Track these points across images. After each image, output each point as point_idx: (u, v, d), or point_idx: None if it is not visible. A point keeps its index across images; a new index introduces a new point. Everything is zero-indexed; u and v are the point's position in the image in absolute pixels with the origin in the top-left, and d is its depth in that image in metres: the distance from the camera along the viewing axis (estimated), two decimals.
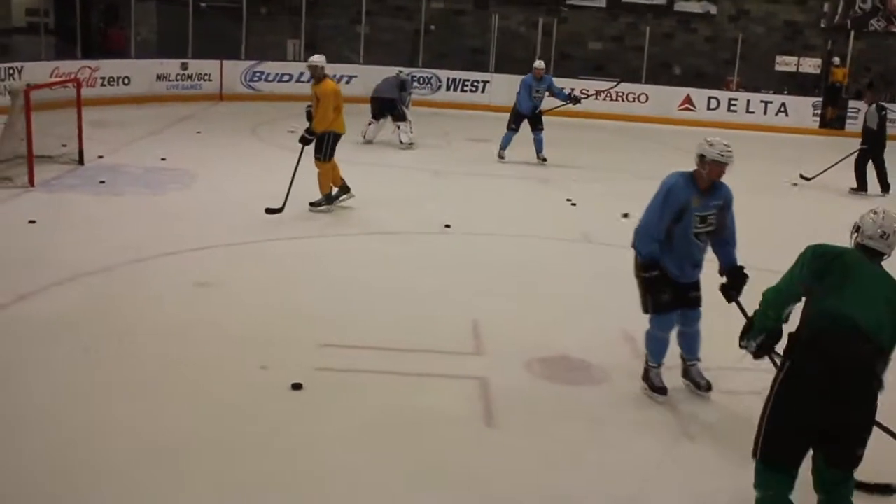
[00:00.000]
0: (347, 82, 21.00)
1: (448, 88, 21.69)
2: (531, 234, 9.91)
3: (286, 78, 20.72)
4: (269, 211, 9.81)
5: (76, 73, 16.55)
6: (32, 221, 9.12)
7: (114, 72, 18.61)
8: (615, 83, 19.17)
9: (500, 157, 14.58)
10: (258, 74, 20.69)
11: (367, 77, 20.97)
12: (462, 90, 21.70)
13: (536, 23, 22.40)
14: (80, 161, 11.97)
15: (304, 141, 10.17)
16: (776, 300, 4.22)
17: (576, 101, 14.94)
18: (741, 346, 4.42)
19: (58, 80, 15.45)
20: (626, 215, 9.18)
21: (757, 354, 4.37)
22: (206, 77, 19.98)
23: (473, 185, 12.73)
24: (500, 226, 10.24)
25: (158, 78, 19.42)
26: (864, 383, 3.83)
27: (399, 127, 15.32)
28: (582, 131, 18.58)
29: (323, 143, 10.26)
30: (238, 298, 7.24)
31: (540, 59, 15.88)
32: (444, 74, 21.67)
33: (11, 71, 16.29)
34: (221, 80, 20.09)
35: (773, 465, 3.96)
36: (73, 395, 5.40)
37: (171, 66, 19.71)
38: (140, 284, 7.50)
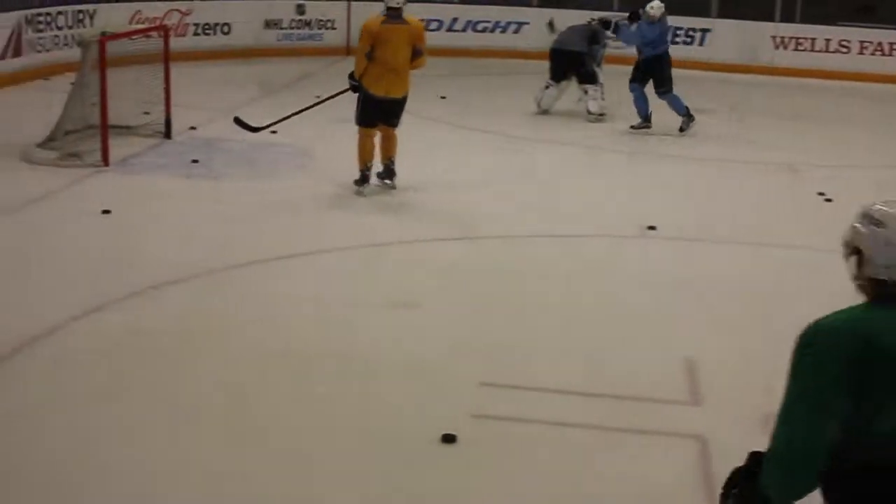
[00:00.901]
0: (516, 31, 21.17)
1: None
2: (766, 242, 9.72)
3: (433, 25, 20.88)
4: (239, 122, 11.08)
5: (162, 19, 17.20)
6: (107, 212, 9.53)
7: (210, 17, 19.28)
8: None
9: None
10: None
11: (544, 25, 21.08)
12: (673, 42, 21.35)
13: None
14: (167, 134, 12.45)
15: (351, 87, 10.67)
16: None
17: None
18: None
19: (140, 27, 16.07)
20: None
21: None
22: (329, 24, 20.41)
23: (684, 171, 12.60)
24: (723, 229, 10.09)
25: (267, 25, 20.00)
26: None
27: (587, 91, 15.28)
28: (833, 96, 18.19)
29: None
30: (364, 318, 7.37)
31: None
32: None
33: (81, 15, 17.05)
34: (349, 29, 20.36)
35: None
36: (154, 424, 5.60)
37: (284, 8, 20.24)
38: (240, 296, 7.75)
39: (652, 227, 9.87)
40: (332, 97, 11.30)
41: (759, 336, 7.45)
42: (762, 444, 5.86)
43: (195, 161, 11.35)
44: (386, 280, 8.24)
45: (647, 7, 14.52)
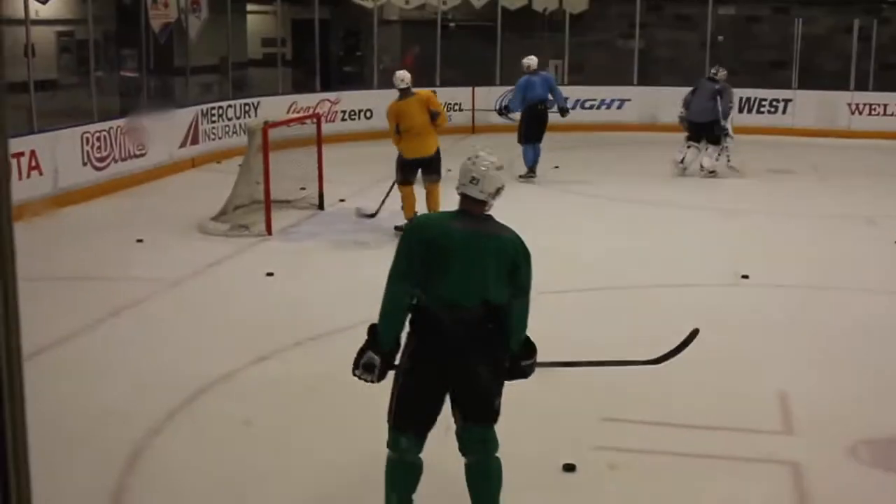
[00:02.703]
0: (619, 107, 21.14)
1: (741, 110, 21.19)
2: (849, 287, 9.52)
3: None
4: (361, 214, 11.46)
5: (315, 108, 17.58)
6: (270, 274, 9.70)
7: (355, 104, 19.60)
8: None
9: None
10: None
11: (643, 99, 21.06)
12: (759, 111, 21.22)
13: (850, 26, 21.61)
14: (321, 206, 12.67)
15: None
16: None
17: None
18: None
19: (297, 115, 16.44)
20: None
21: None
22: (457, 106, 20.61)
23: (774, 226, 12.38)
24: (811, 277, 9.90)
25: None
26: (478, 341, 4.55)
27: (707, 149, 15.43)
28: None
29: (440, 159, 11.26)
30: None
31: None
32: (737, 93, 21.21)
33: (248, 107, 17.51)
34: (473, 110, 20.64)
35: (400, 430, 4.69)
36: (324, 469, 5.65)
37: None
38: None
39: (745, 276, 9.71)
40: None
41: (848, 372, 7.30)
42: (852, 468, 5.73)
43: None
44: None
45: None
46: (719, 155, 15.44)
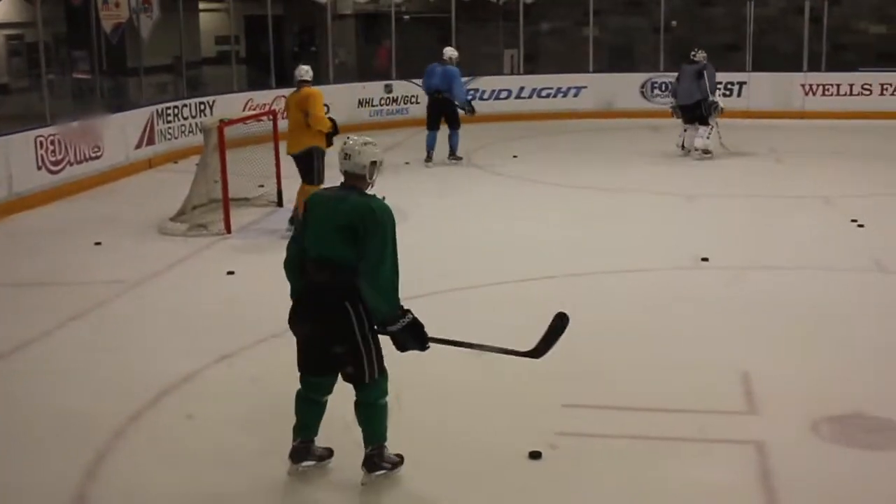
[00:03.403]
0: (576, 95, 21.22)
1: None
2: (808, 266, 9.61)
3: (503, 94, 21.07)
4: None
5: (271, 104, 17.47)
6: (231, 273, 9.66)
7: None
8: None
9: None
10: (471, 92, 21.04)
11: (599, 87, 21.14)
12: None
13: (802, 7, 21.77)
14: (279, 202, 12.61)
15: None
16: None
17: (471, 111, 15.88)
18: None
19: (252, 113, 16.34)
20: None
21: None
22: (413, 99, 20.59)
23: (732, 208, 12.48)
24: (770, 257, 9.98)
25: (360, 104, 20.22)
26: (331, 305, 5.08)
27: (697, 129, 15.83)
28: (859, 134, 17.94)
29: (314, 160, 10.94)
30: (454, 362, 7.34)
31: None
32: None
33: (203, 106, 17.39)
34: None
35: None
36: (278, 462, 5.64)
37: (374, 89, 20.47)
38: None
39: (705, 259, 9.77)
40: None
41: (808, 349, 7.37)
42: (814, 445, 5.79)
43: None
44: (476, 319, 8.21)
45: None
46: (709, 133, 15.82)
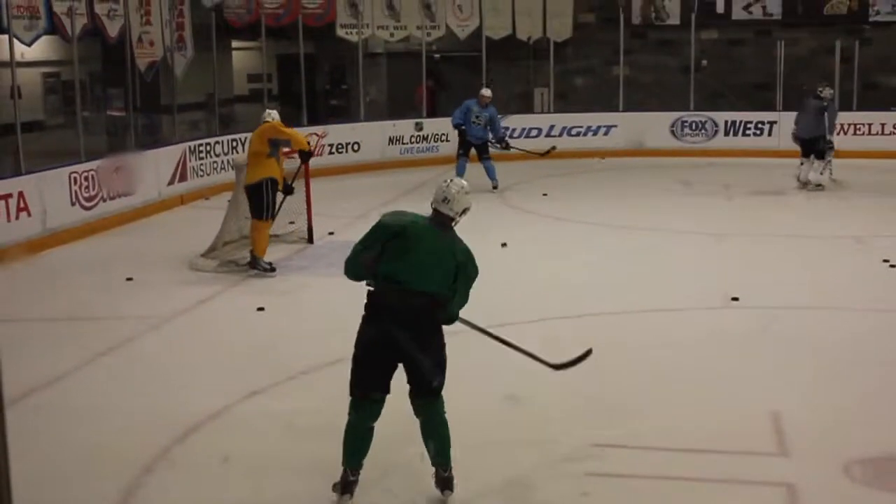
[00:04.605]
0: (606, 133, 21.24)
1: (727, 133, 21.37)
2: (839, 306, 9.53)
3: (534, 132, 21.09)
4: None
5: None
6: (261, 309, 9.68)
7: (342, 137, 19.62)
8: (549, 149, 17.92)
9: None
10: (502, 130, 21.10)
11: (629, 125, 21.15)
12: (744, 134, 21.31)
13: (832, 47, 21.75)
14: (310, 239, 12.65)
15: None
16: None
17: (505, 146, 16.65)
18: None
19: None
20: None
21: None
22: (443, 137, 20.64)
23: (763, 248, 12.41)
24: (801, 297, 9.91)
25: (391, 141, 20.31)
26: (420, 326, 5.38)
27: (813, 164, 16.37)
28: (893, 174, 17.85)
29: (264, 193, 10.94)
30: (486, 391, 7.33)
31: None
32: (722, 117, 21.38)
33: (234, 143, 17.52)
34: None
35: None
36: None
37: (404, 127, 20.55)
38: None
39: (735, 299, 9.72)
40: None
41: (840, 391, 7.31)
42: (846, 487, 5.73)
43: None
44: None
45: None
46: (824, 169, 16.36)
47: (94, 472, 6.12)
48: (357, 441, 5.53)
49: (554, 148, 17.48)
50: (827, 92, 16.49)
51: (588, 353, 5.87)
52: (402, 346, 5.36)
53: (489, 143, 16.59)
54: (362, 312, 5.52)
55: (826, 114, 16.26)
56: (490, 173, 16.46)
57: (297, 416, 6.89)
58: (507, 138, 17.17)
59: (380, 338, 5.40)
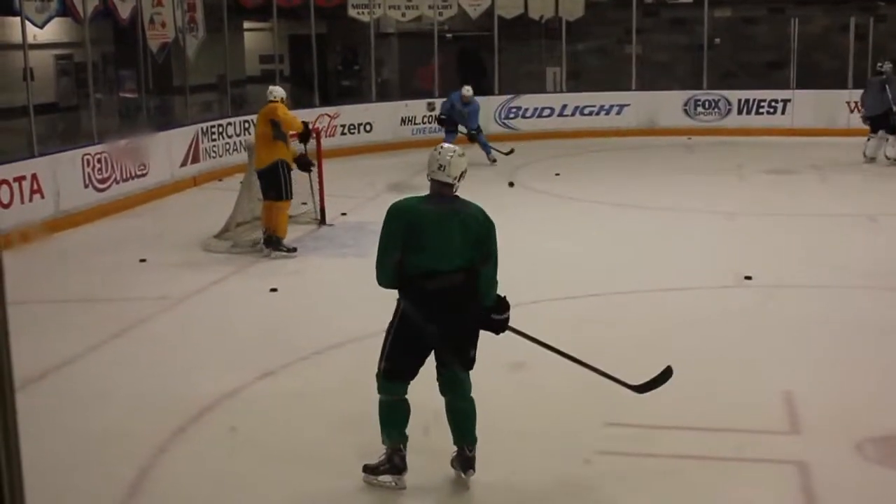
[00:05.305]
0: (619, 112, 21.18)
1: (740, 112, 21.30)
2: (854, 285, 9.50)
3: (546, 112, 21.06)
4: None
5: (314, 122, 17.56)
6: (274, 290, 9.70)
7: (354, 118, 19.63)
8: (509, 151, 17.56)
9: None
10: (514, 110, 21.13)
11: (642, 104, 21.09)
12: (757, 112, 21.23)
13: (847, 25, 21.63)
14: (322, 220, 12.66)
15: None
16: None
17: (472, 138, 16.73)
18: None
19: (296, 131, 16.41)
20: None
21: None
22: None
23: (776, 227, 12.38)
24: (814, 276, 9.90)
25: (403, 122, 20.29)
26: (454, 301, 5.30)
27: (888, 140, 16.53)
28: None
29: (279, 174, 10.92)
30: (497, 369, 7.33)
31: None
32: (735, 95, 21.29)
33: (247, 124, 17.49)
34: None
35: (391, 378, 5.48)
36: (325, 476, 5.65)
37: (417, 107, 20.53)
38: None
39: (748, 277, 9.70)
40: None
41: (854, 369, 7.30)
42: (858, 465, 5.73)
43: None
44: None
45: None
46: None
47: (109, 453, 6.15)
48: (397, 413, 5.49)
49: (512, 150, 17.39)
50: (887, 66, 16.70)
51: (668, 371, 5.79)
52: (443, 332, 5.31)
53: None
54: (395, 302, 5.48)
55: (887, 86, 16.45)
56: (485, 148, 16.84)
57: (310, 397, 6.91)
58: (478, 135, 17.14)
59: (421, 330, 5.32)
